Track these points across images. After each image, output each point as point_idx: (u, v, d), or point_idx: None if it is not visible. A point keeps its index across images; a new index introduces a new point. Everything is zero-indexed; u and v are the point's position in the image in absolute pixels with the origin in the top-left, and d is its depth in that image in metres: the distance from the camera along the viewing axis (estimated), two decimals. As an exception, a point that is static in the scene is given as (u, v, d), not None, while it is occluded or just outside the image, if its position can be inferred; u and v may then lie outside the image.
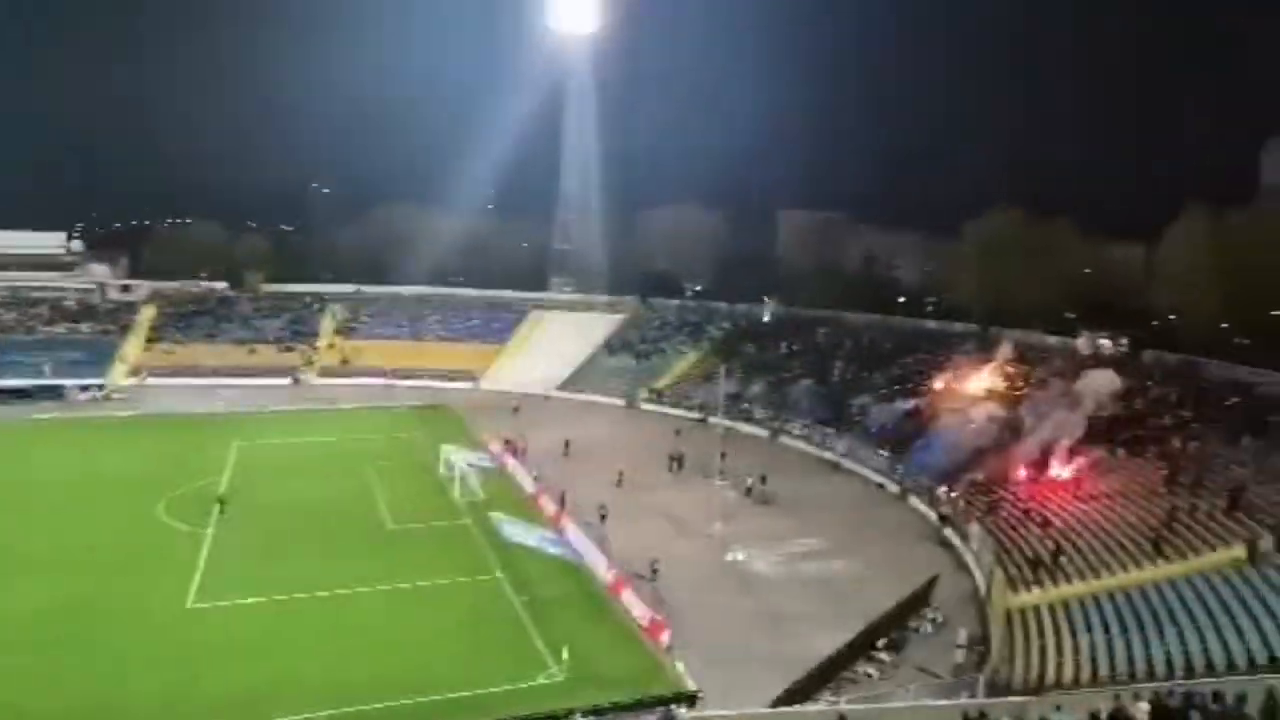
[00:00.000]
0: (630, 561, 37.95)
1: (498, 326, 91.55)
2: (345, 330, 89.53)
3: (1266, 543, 31.87)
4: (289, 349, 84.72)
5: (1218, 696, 19.84)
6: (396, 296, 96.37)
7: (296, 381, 79.40)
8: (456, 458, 49.58)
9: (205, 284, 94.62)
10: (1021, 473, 46.40)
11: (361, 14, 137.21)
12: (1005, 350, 60.34)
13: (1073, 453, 45.27)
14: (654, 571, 37.02)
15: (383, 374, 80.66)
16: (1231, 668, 25.87)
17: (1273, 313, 60.77)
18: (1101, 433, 46.76)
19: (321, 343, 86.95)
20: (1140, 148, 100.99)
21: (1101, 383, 49.96)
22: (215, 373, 78.29)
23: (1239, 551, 32.20)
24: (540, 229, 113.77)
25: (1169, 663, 27.50)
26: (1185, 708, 18.59)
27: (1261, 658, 26.00)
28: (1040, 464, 46.16)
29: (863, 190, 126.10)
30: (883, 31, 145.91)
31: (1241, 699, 19.74)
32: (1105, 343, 57.59)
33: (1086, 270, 76.21)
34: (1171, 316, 66.76)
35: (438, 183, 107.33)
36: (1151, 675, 26.95)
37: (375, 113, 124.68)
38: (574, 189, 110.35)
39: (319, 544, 40.36)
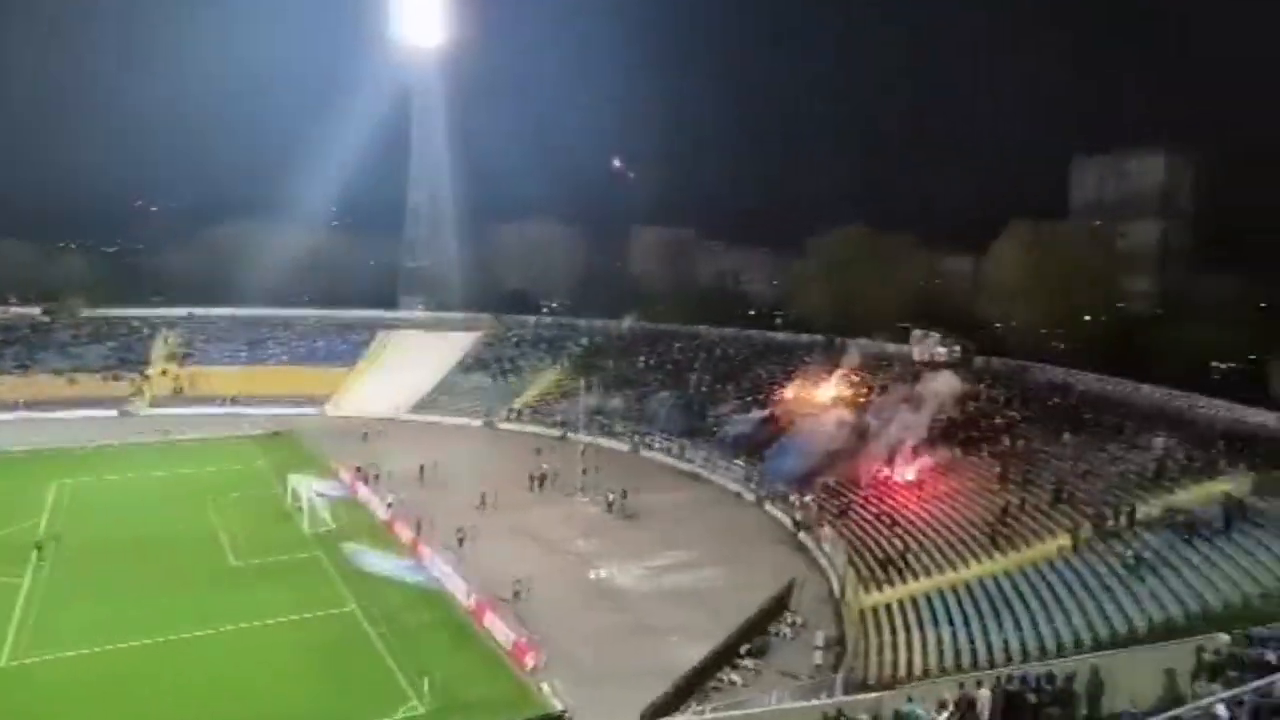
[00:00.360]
0: (493, 584, 37.23)
1: (345, 348, 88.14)
2: (179, 357, 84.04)
3: (1087, 531, 34.45)
4: (116, 378, 78.75)
5: (1050, 678, 21.22)
6: (235, 319, 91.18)
7: (124, 413, 73.83)
8: (304, 487, 47.29)
9: (15, 309, 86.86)
10: (870, 475, 48.41)
11: (191, 16, 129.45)
12: (852, 357, 62.93)
13: (916, 454, 47.60)
14: (517, 593, 36.47)
15: (222, 402, 76.25)
16: (1061, 649, 27.75)
17: (1086, 318, 66.19)
18: (941, 435, 49.42)
19: (153, 371, 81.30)
20: (968, 167, 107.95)
21: (942, 385, 52.82)
22: (29, 406, 71.86)
23: (1064, 540, 34.66)
24: (389, 246, 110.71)
25: (1007, 649, 29.24)
26: (1022, 690, 19.75)
27: (1086, 638, 28.03)
28: (887, 466, 48.31)
29: (713, 208, 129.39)
30: (736, 52, 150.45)
31: (1070, 678, 21.19)
32: (940, 350, 60.82)
33: (923, 282, 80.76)
34: (997, 325, 71.56)
35: (277, 198, 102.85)
36: (992, 662, 28.56)
37: (208, 125, 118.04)
38: (424, 204, 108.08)
39: (155, 586, 37.53)
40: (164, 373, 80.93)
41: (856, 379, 61.57)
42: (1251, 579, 27.44)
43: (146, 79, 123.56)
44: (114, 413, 73.29)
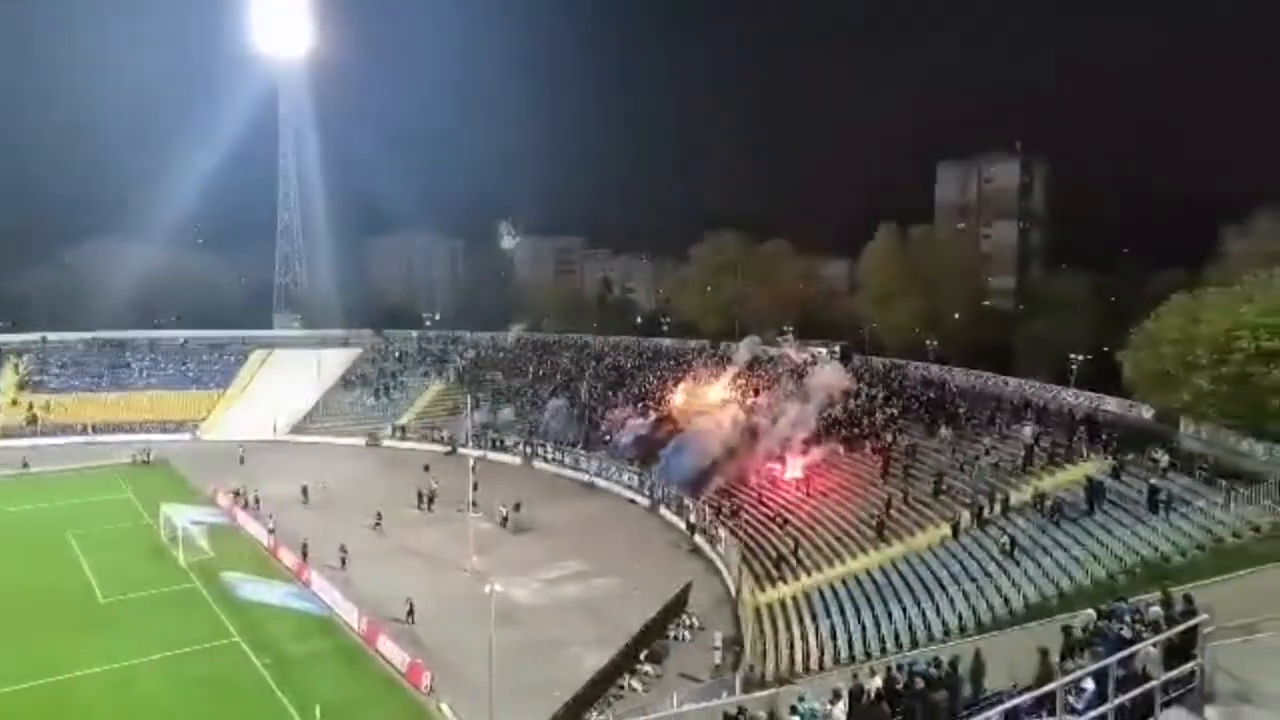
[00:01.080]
0: (384, 605, 36.28)
1: (217, 370, 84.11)
2: (30, 384, 78.50)
3: (966, 519, 36.11)
4: (-41, 409, 73.04)
5: (937, 662, 22.13)
6: (94, 343, 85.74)
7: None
8: (178, 516, 44.89)
9: None
10: (761, 472, 49.36)
11: (37, 26, 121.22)
12: (743, 354, 63.85)
13: (805, 449, 48.81)
14: (410, 613, 35.60)
15: (83, 430, 71.64)
16: (947, 634, 28.99)
17: (955, 316, 69.39)
18: (825, 431, 50.87)
19: (3, 399, 75.68)
20: (838, 174, 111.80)
21: (829, 377, 54.34)
22: None
23: (945, 530, 36.24)
24: (260, 263, 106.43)
25: (897, 637, 30.34)
26: (910, 676, 20.53)
27: (969, 621, 29.38)
28: (777, 463, 49.35)
29: (596, 218, 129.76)
30: (614, 62, 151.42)
31: (954, 663, 22.13)
32: (820, 350, 62.67)
33: (801, 286, 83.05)
34: (873, 325, 74.24)
35: (137, 215, 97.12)
36: (884, 650, 29.56)
37: (58, 138, 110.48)
38: (295, 219, 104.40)
39: (14, 630, 34.97)
40: (14, 402, 75.47)
41: (744, 379, 62.67)
42: (1113, 556, 29.34)
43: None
44: (-42, 447, 67.84)
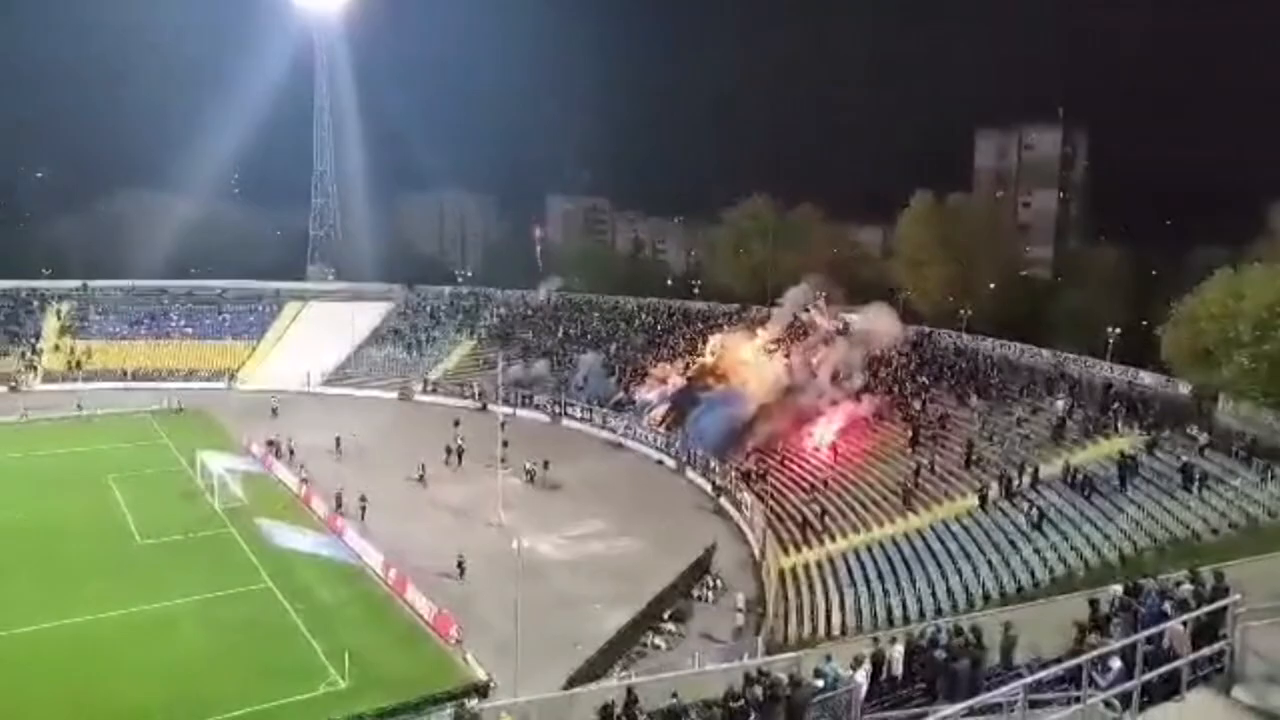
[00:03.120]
0: (413, 557, 36.93)
1: (252, 320, 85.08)
2: (73, 330, 79.95)
3: (994, 491, 35.97)
4: (3, 354, 74.57)
5: (959, 631, 22.21)
6: (133, 291, 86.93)
7: (15, 388, 69.94)
8: (213, 462, 45.82)
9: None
10: (792, 437, 49.39)
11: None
12: (789, 307, 63.39)
13: (846, 406, 48.58)
14: (461, 568, 36.06)
15: (122, 376, 73.00)
16: (971, 604, 29.02)
17: (990, 285, 68.45)
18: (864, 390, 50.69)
19: (45, 345, 77.21)
20: (874, 140, 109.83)
21: (882, 323, 54.01)
22: (-95, 383, 67.57)
23: (973, 500, 36.13)
24: (295, 214, 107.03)
25: (920, 605, 30.43)
26: (931, 645, 20.63)
27: (994, 592, 29.39)
28: (811, 425, 49.26)
29: (627, 179, 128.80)
30: (648, 24, 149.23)
31: (977, 633, 22.20)
32: (853, 317, 62.02)
33: (834, 252, 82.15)
34: (907, 293, 73.38)
35: (175, 166, 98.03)
36: (906, 619, 29.69)
37: (100, 89, 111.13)
38: (330, 171, 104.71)
39: (58, 569, 36.15)
40: (57, 347, 77.01)
41: (785, 335, 62.27)
42: (1143, 532, 29.15)
43: (31, 40, 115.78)
44: (3, 389, 69.44)
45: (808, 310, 63.78)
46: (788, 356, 58.74)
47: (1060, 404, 41.65)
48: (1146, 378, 43.72)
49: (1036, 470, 36.03)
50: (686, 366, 64.32)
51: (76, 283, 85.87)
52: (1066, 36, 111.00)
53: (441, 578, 35.69)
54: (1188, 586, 15.03)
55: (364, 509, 42.48)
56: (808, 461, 47.40)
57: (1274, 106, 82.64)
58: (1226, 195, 65.78)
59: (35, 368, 73.92)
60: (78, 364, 74.74)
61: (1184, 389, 40.19)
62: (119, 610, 32.40)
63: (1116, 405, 39.80)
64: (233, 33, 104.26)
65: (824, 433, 48.61)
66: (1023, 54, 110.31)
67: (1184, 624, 12.84)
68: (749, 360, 59.74)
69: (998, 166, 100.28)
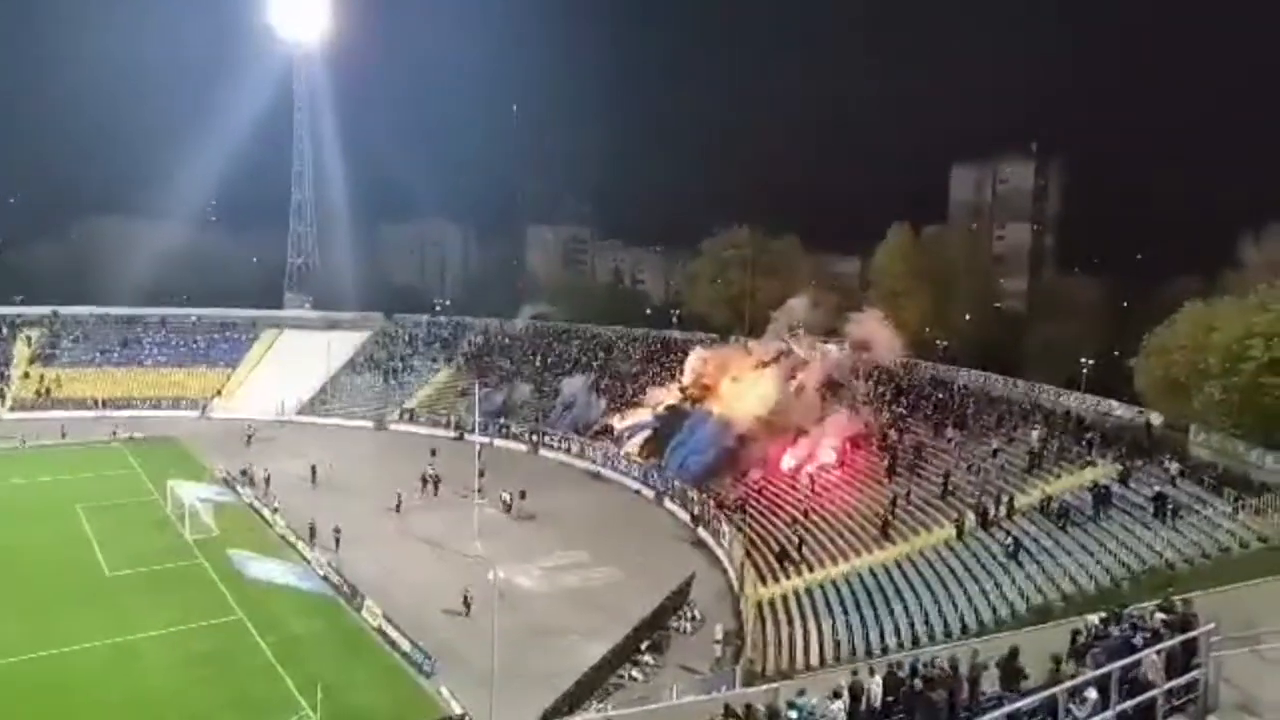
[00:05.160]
0: (384, 589, 36.39)
1: (227, 348, 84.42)
2: (43, 357, 78.95)
3: (971, 521, 36.08)
4: (-30, 380, 73.52)
5: (935, 664, 22.22)
6: (105, 318, 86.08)
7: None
8: (185, 492, 45.20)
9: None
10: (773, 462, 49.42)
11: (55, 1, 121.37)
12: (780, 327, 63.51)
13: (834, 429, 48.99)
14: (466, 604, 35.41)
15: (94, 406, 72.03)
16: (948, 634, 28.97)
17: (966, 316, 69.12)
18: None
19: (14, 372, 76.11)
20: (853, 174, 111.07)
21: (874, 329, 54.39)
22: None
23: (950, 530, 36.22)
24: (273, 242, 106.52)
25: (898, 636, 30.37)
26: (910, 676, 20.59)
27: (971, 622, 29.40)
28: (795, 444, 49.32)
29: (607, 209, 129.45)
30: (630, 53, 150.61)
31: (954, 663, 22.18)
32: (830, 347, 62.36)
33: (813, 283, 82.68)
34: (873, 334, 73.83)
35: (150, 193, 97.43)
36: (885, 649, 29.60)
37: (73, 115, 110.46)
38: (308, 199, 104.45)
39: (23, 601, 35.42)
40: (26, 375, 75.94)
41: (774, 355, 62.38)
42: (1119, 562, 29.31)
43: (4, 66, 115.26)
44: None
45: (794, 331, 63.83)
46: (778, 375, 58.76)
47: (1035, 434, 41.94)
48: (1120, 408, 44.15)
49: (1012, 500, 36.22)
50: (671, 394, 64.30)
51: (47, 309, 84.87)
52: (1039, 70, 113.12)
53: (449, 614, 35.14)
54: (1161, 616, 15.11)
55: (338, 539, 41.97)
56: (786, 491, 47.37)
57: (1244, 138, 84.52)
58: (1197, 227, 66.92)
59: (3, 395, 72.77)
60: (47, 392, 73.70)
61: (1156, 420, 40.60)
62: (85, 644, 31.74)
63: (1090, 435, 40.12)
64: (212, 59, 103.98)
65: (802, 461, 48.62)
66: (996, 88, 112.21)
67: (1158, 653, 12.90)
68: (739, 377, 59.70)
69: (973, 199, 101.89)
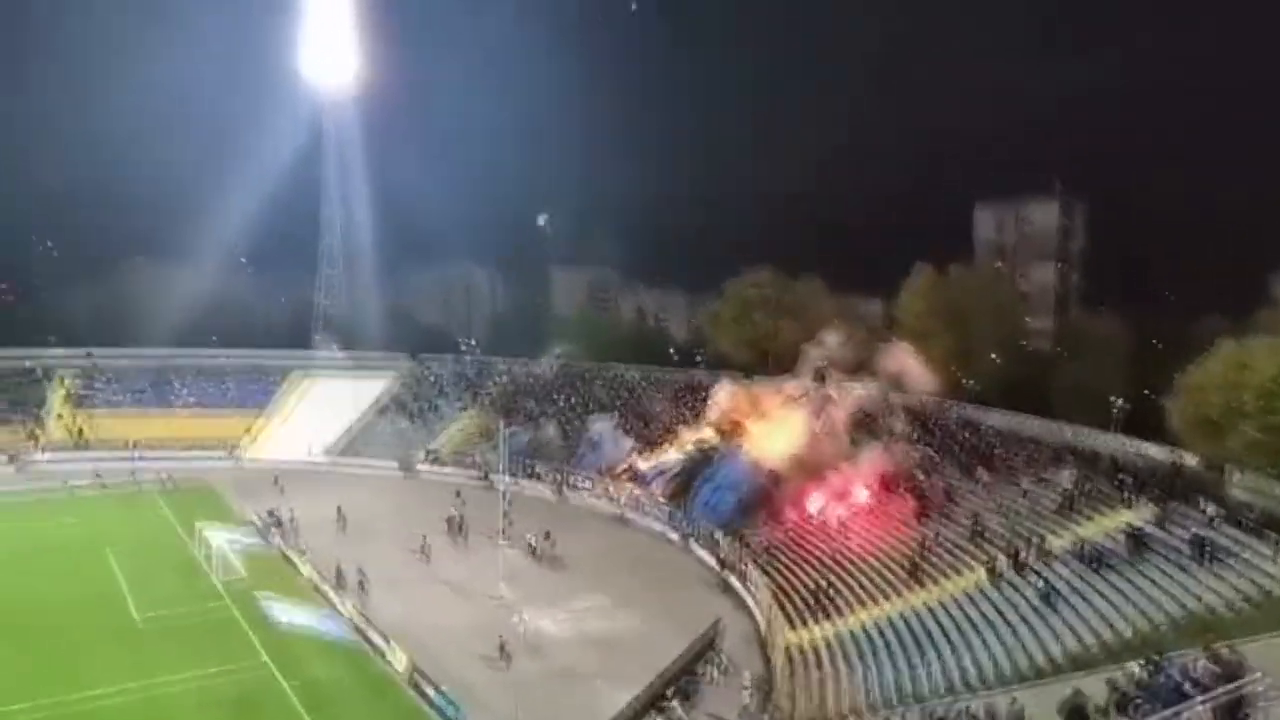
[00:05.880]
0: (411, 632, 36.23)
1: (256, 391, 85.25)
2: (78, 401, 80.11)
3: (1002, 564, 35.50)
4: (7, 424, 74.52)
5: (971, 713, 21.73)
6: (138, 361, 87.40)
7: (16, 460, 69.74)
8: (214, 536, 45.44)
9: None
10: (802, 504, 49.00)
11: (89, 47, 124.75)
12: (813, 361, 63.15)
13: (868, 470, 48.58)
14: (502, 651, 34.99)
15: (126, 448, 72.80)
16: (983, 682, 28.39)
17: (992, 356, 68.60)
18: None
19: (49, 416, 77.28)
20: (875, 214, 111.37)
21: (907, 360, 54.07)
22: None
23: (981, 574, 35.64)
24: (301, 285, 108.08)
25: (931, 683, 29.76)
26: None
27: (1006, 669, 28.76)
28: (825, 486, 48.77)
29: (631, 250, 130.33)
30: (655, 98, 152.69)
31: (991, 713, 21.72)
32: (857, 388, 61.97)
33: (835, 322, 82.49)
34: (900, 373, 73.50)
35: (183, 237, 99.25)
36: (916, 697, 29.04)
37: (108, 161, 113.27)
38: (337, 243, 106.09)
39: (52, 644, 35.46)
40: (60, 418, 77.04)
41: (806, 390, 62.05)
42: (1157, 607, 28.65)
43: (40, 112, 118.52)
44: (4, 459, 69.18)
45: (824, 369, 63.34)
46: (808, 413, 58.39)
47: (1066, 475, 41.33)
48: (1153, 449, 43.47)
49: (1044, 543, 35.62)
50: (700, 432, 64.15)
51: (82, 352, 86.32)
52: (1062, 107, 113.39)
53: (484, 660, 34.83)
54: (1206, 664, 14.79)
55: (362, 583, 41.94)
56: (814, 534, 46.89)
57: (1273, 176, 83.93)
58: (1226, 264, 66.38)
59: (38, 438, 73.77)
60: (80, 434, 74.65)
61: (1192, 460, 39.92)
62: (113, 687, 31.72)
63: (1123, 477, 39.49)
64: (244, 104, 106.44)
65: (831, 504, 48.17)
66: (1019, 125, 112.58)
67: (1204, 703, 12.59)
68: (769, 414, 59.37)
69: (997, 239, 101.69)
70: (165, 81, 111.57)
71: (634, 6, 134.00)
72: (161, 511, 56.87)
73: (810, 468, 51.63)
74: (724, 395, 65.64)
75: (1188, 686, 13.69)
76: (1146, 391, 51.54)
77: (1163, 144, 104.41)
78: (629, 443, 67.01)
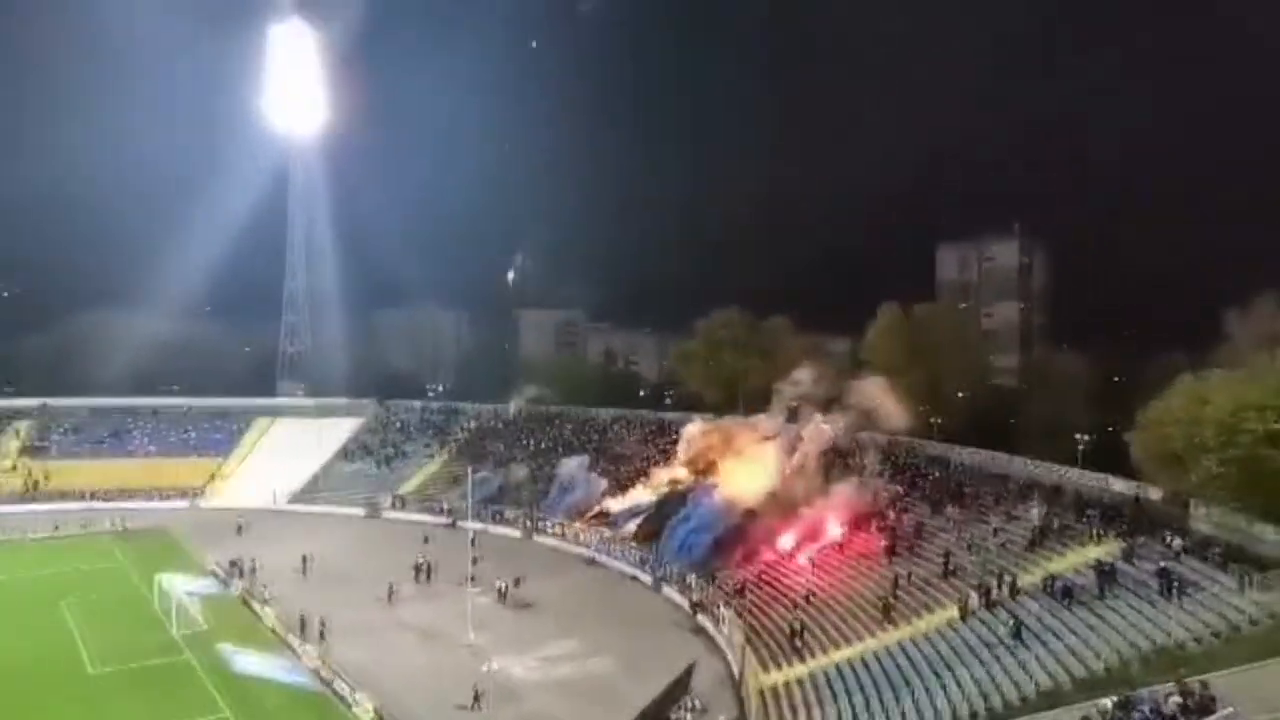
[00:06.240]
0: (376, 680, 35.37)
1: (219, 437, 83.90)
2: (32, 450, 78.27)
3: (974, 601, 35.50)
4: (-43, 474, 72.66)
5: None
6: (96, 409, 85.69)
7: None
8: (173, 585, 44.26)
9: None
10: (775, 541, 48.81)
11: (50, 93, 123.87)
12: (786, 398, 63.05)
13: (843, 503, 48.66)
14: (476, 700, 34.12)
15: (83, 497, 71.06)
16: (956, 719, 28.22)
17: (959, 394, 69.29)
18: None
19: (3, 465, 75.31)
20: (841, 256, 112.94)
21: (873, 390, 54.16)
22: None
23: (953, 611, 35.61)
24: (266, 330, 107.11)
25: (906, 722, 29.52)
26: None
27: (980, 707, 28.62)
28: (796, 525, 48.64)
29: (598, 292, 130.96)
30: (620, 138, 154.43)
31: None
32: (825, 426, 62.16)
33: (803, 360, 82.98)
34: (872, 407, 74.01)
35: (144, 282, 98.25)
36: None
37: (66, 206, 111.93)
38: (300, 288, 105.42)
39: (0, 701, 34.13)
40: (14, 467, 75.13)
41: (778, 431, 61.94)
42: (1127, 642, 28.75)
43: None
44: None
45: (797, 406, 63.40)
46: (780, 450, 58.31)
47: (1035, 511, 41.61)
48: (1118, 484, 43.96)
49: (1015, 579, 35.70)
50: (672, 472, 63.92)
51: (36, 401, 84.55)
52: (1021, 150, 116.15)
53: (455, 707, 33.97)
54: (1176, 699, 14.82)
55: (323, 632, 40.83)
56: (787, 573, 46.66)
57: (1228, 215, 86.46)
58: (1183, 302, 67.92)
59: (-9, 489, 71.89)
60: (35, 484, 72.83)
61: (1155, 494, 40.39)
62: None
63: (1090, 512, 39.84)
64: (206, 149, 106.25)
65: (804, 543, 48.04)
66: (980, 166, 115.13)
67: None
68: (742, 451, 59.17)
69: (960, 278, 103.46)
70: (127, 126, 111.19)
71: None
72: (119, 561, 55.38)
73: (784, 505, 51.51)
74: (696, 431, 65.54)
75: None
76: (1110, 427, 52.20)
77: (1122, 184, 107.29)
78: (601, 483, 66.60)
